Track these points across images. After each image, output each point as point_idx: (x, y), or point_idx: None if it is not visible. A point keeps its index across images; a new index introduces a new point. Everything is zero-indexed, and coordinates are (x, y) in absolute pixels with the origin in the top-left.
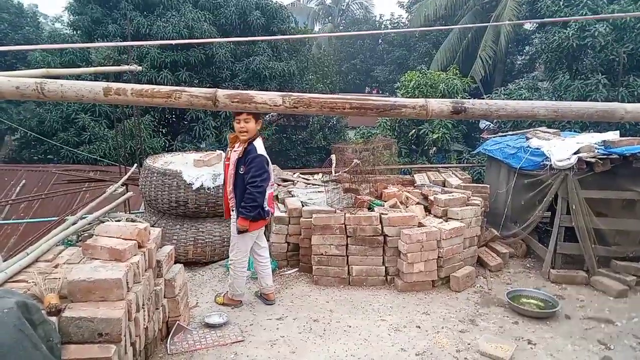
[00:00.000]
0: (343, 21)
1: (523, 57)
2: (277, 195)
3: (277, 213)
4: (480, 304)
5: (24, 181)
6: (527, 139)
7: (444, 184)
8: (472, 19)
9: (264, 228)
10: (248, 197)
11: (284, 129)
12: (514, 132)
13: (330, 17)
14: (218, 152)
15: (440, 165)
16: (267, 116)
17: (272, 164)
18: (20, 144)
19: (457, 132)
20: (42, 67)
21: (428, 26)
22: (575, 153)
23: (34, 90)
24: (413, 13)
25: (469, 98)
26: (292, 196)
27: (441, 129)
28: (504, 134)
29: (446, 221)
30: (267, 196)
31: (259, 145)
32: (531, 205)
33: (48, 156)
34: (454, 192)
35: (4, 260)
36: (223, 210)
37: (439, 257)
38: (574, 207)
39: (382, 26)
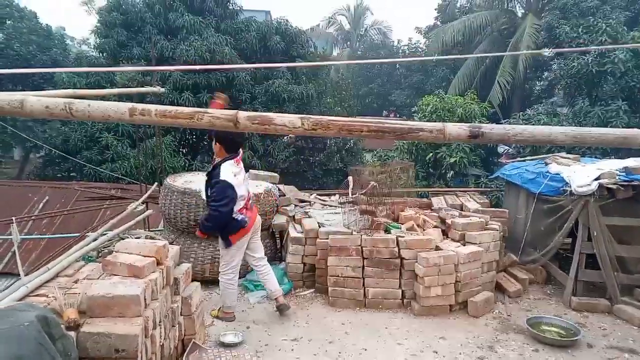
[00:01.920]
0: (361, 46)
1: (542, 82)
2: (293, 216)
3: (293, 234)
4: (499, 330)
5: (47, 197)
6: (547, 164)
7: (461, 207)
8: (489, 45)
9: (252, 238)
10: (207, 216)
11: (301, 151)
12: (533, 157)
13: (348, 42)
14: None
15: (458, 189)
16: (285, 138)
17: (289, 184)
18: (45, 162)
19: (475, 156)
20: (68, 88)
21: (446, 51)
22: (596, 179)
23: (63, 110)
24: (431, 39)
25: (487, 123)
26: (309, 217)
27: (459, 152)
28: (522, 158)
29: (464, 245)
30: (236, 210)
31: (225, 169)
32: (551, 231)
33: (71, 174)
34: (472, 216)
35: (26, 275)
36: None
37: (456, 281)
38: (595, 234)
39: (400, 51)
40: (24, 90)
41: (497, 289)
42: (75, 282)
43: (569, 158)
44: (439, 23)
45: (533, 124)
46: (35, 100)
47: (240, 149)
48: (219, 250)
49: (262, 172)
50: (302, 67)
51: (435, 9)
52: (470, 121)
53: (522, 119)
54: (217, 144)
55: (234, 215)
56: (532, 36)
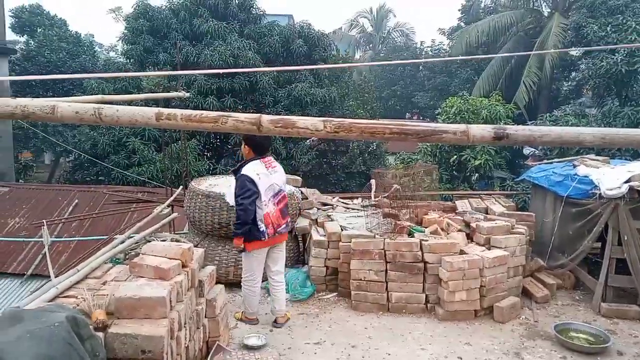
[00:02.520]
0: (384, 48)
1: (569, 83)
2: (316, 219)
3: (316, 237)
4: (526, 336)
5: (76, 201)
6: (575, 166)
7: (486, 211)
8: (515, 45)
9: (275, 249)
10: (236, 215)
11: (324, 154)
12: (561, 159)
13: (371, 45)
14: None
15: (482, 192)
16: (307, 141)
17: (312, 187)
18: (74, 166)
19: (500, 158)
20: (97, 94)
21: (470, 52)
22: (626, 182)
23: (92, 115)
24: (454, 40)
25: (512, 124)
26: (332, 220)
27: (484, 155)
28: (549, 161)
29: (489, 249)
30: (261, 216)
31: (247, 167)
32: (579, 235)
33: (100, 177)
34: (497, 219)
35: (56, 276)
36: None
37: (481, 286)
38: (625, 238)
39: (423, 53)
40: (54, 96)
41: (523, 294)
42: (104, 283)
43: (598, 160)
44: (462, 24)
45: (560, 126)
46: (65, 106)
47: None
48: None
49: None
50: (324, 69)
51: (459, 10)
52: (495, 123)
53: (549, 120)
54: (246, 146)
55: (258, 224)
56: (559, 35)
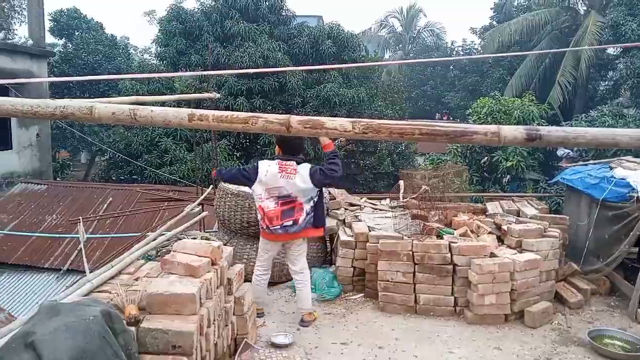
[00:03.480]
0: (414, 48)
1: (606, 82)
2: (344, 220)
3: (343, 237)
4: (558, 342)
5: (110, 199)
6: (611, 168)
7: (518, 213)
8: (549, 44)
9: (289, 249)
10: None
11: (352, 154)
12: (596, 161)
13: (400, 45)
14: None
15: (514, 194)
16: (335, 141)
17: (340, 188)
18: (109, 165)
19: (533, 160)
20: (131, 95)
21: (502, 52)
22: None
23: (128, 116)
24: (486, 39)
25: (546, 125)
26: (359, 221)
27: (516, 156)
28: (585, 162)
29: (520, 253)
30: (257, 207)
31: (265, 161)
32: (616, 239)
33: (133, 176)
34: (530, 222)
35: (91, 272)
36: None
37: (512, 290)
38: None
39: (454, 53)
40: (91, 97)
41: (556, 299)
42: (136, 279)
43: (636, 162)
44: (495, 23)
45: (597, 127)
46: (102, 106)
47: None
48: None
49: None
50: (353, 70)
51: (491, 9)
52: (528, 124)
53: (585, 121)
54: (277, 145)
55: (257, 214)
56: (596, 34)
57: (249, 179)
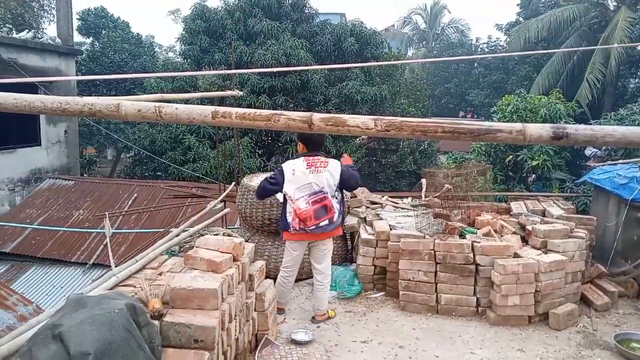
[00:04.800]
0: (437, 45)
1: (637, 80)
2: (365, 218)
3: (364, 235)
4: (583, 345)
5: (135, 195)
6: None
7: (543, 213)
8: (578, 41)
9: (315, 248)
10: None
11: (373, 152)
12: (626, 161)
13: (424, 42)
14: None
15: (539, 194)
16: (357, 139)
17: (361, 186)
18: (134, 161)
19: (559, 159)
20: (156, 92)
21: (529, 48)
22: None
23: (153, 113)
24: (512, 36)
25: (573, 124)
26: (380, 219)
27: (542, 155)
28: (613, 162)
29: (545, 253)
30: (290, 209)
31: (288, 162)
32: None
33: (157, 173)
34: (555, 222)
35: (116, 266)
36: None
37: (536, 291)
38: None
39: (479, 50)
40: (117, 95)
41: (582, 301)
42: (160, 274)
43: None
44: (521, 19)
45: (627, 125)
46: (129, 104)
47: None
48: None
49: None
50: (375, 67)
51: (518, 5)
52: (555, 122)
53: (614, 120)
54: (300, 143)
55: (286, 215)
56: (626, 30)
57: (277, 183)
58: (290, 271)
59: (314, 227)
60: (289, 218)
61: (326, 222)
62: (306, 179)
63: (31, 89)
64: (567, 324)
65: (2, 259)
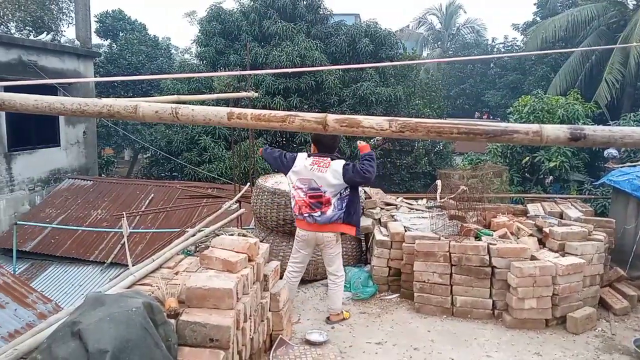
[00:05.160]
0: (453, 45)
1: None
2: (379, 219)
3: (379, 237)
4: (602, 349)
5: (152, 195)
6: None
7: (561, 215)
8: (596, 40)
9: (323, 250)
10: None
11: (388, 153)
12: None
13: (439, 42)
14: None
15: (557, 196)
16: (371, 140)
17: (375, 187)
18: (151, 162)
19: (577, 160)
20: (172, 94)
21: (546, 48)
22: None
23: (170, 114)
24: (529, 35)
25: (591, 125)
26: (395, 220)
27: (559, 156)
28: (633, 163)
29: (563, 256)
30: (291, 194)
31: (302, 154)
32: None
33: (173, 173)
34: (573, 225)
35: (133, 265)
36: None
37: (554, 294)
38: None
39: (495, 50)
40: (134, 96)
41: (600, 305)
42: (176, 273)
43: None
44: (538, 19)
45: None
46: (146, 105)
47: (330, 156)
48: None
49: None
50: (390, 68)
51: (535, 4)
52: (573, 123)
53: (634, 121)
54: (312, 144)
55: (292, 203)
56: None
57: (285, 165)
58: (297, 267)
59: (307, 215)
60: (292, 202)
61: (318, 213)
62: (308, 174)
63: (50, 90)
64: (585, 328)
65: (22, 258)
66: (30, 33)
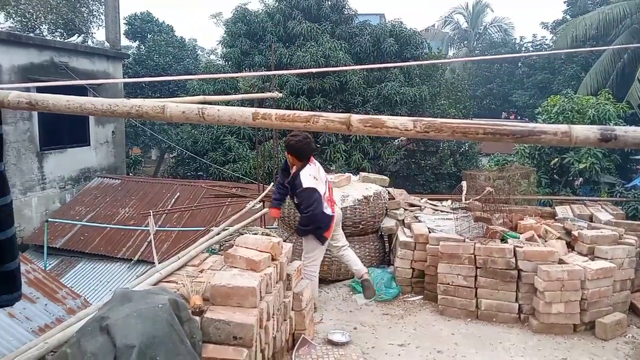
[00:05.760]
0: (479, 45)
1: None
2: (403, 220)
3: (402, 238)
4: (632, 356)
5: (178, 194)
6: None
7: (591, 218)
8: (628, 38)
9: (335, 229)
10: (302, 220)
11: (412, 154)
12: None
13: (465, 42)
14: (347, 174)
15: (587, 198)
16: (395, 141)
17: (399, 188)
18: (177, 161)
19: (608, 162)
20: (198, 94)
21: (576, 47)
22: None
23: (197, 115)
24: (559, 34)
25: (623, 125)
26: (419, 221)
27: (589, 158)
28: None
29: (592, 260)
30: (325, 202)
31: (304, 176)
32: None
33: (199, 173)
34: (603, 228)
35: (159, 262)
36: (350, 230)
37: (582, 299)
38: None
39: (523, 49)
40: (161, 97)
41: (631, 310)
42: (201, 271)
43: None
44: (568, 17)
45: None
46: (173, 106)
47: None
48: (328, 250)
49: (372, 175)
50: (415, 68)
51: (565, 2)
52: (604, 123)
53: None
54: (289, 155)
55: (325, 210)
56: None
57: (320, 197)
58: (315, 265)
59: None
60: (328, 210)
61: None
62: (321, 174)
63: (81, 91)
64: (614, 333)
65: (52, 254)
66: (62, 35)
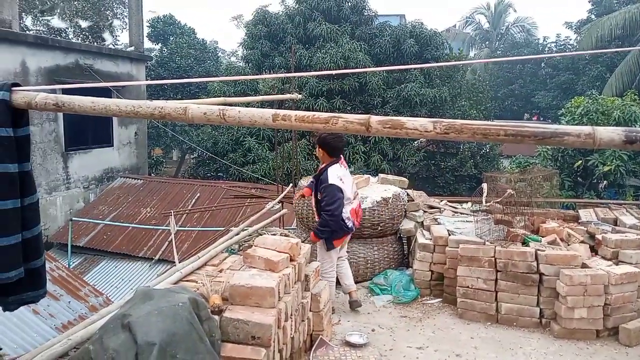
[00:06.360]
0: (501, 45)
1: None
2: (422, 222)
3: (421, 240)
4: None
5: (198, 194)
6: None
7: (615, 222)
8: None
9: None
10: (321, 221)
11: (432, 155)
12: None
13: (487, 42)
14: (366, 176)
15: (611, 202)
16: (415, 142)
17: (418, 190)
18: (197, 162)
19: (634, 164)
20: (219, 96)
21: (601, 47)
22: None
23: (218, 116)
24: (583, 34)
25: None
26: (438, 224)
27: (614, 160)
28: None
29: (616, 264)
30: (347, 213)
31: (331, 173)
32: None
33: (219, 173)
34: (628, 232)
35: (180, 262)
36: (368, 232)
37: (606, 304)
38: None
39: (546, 49)
40: (182, 98)
41: None
42: (220, 271)
43: None
44: (593, 16)
45: None
46: (195, 107)
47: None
48: (346, 252)
49: (391, 177)
50: (435, 69)
51: (589, 2)
52: (630, 125)
53: None
54: (320, 149)
55: (345, 220)
56: None
57: (343, 198)
58: (333, 270)
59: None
60: (349, 223)
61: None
62: (350, 179)
63: (104, 92)
64: (639, 340)
65: (76, 252)
66: (87, 38)
